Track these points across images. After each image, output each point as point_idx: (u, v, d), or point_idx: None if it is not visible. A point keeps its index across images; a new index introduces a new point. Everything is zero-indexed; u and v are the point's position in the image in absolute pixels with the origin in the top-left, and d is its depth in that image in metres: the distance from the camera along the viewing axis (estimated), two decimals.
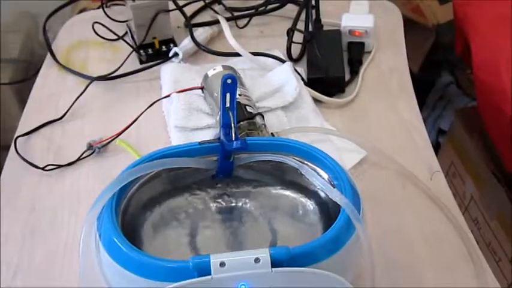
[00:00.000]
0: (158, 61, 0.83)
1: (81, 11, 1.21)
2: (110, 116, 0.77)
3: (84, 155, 0.71)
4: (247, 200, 0.55)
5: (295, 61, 0.84)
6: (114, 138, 0.71)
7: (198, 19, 0.92)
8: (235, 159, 0.53)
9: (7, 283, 0.59)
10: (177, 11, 0.87)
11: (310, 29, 0.85)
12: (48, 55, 0.88)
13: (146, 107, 0.71)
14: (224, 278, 0.41)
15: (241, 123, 0.65)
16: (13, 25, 1.46)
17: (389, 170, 0.68)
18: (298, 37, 0.85)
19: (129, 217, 0.50)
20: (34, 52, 1.45)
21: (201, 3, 0.93)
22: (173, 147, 0.52)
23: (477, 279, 0.58)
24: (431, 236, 0.62)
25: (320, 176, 0.50)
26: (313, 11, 0.85)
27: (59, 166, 0.70)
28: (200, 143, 0.52)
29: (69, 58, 0.88)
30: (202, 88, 0.72)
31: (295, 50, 0.85)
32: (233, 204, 0.55)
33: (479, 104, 1.00)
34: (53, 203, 0.67)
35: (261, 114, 0.68)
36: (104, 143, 0.72)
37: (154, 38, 0.85)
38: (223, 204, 0.55)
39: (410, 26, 1.08)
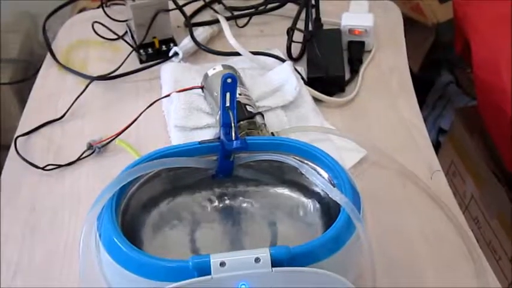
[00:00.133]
0: (158, 61, 0.83)
1: (80, 11, 1.21)
2: (110, 116, 0.77)
3: (84, 155, 0.71)
4: (247, 200, 0.55)
5: (295, 60, 0.84)
6: (114, 138, 0.71)
7: (198, 18, 0.92)
8: (235, 158, 0.53)
9: (7, 283, 0.59)
10: (177, 11, 0.87)
11: (310, 28, 0.85)
12: (48, 55, 0.88)
13: (146, 107, 0.71)
14: (224, 277, 0.40)
15: (241, 122, 0.65)
16: (13, 25, 1.46)
17: (389, 169, 0.68)
18: (298, 36, 0.85)
19: (129, 217, 0.50)
20: (34, 52, 1.45)
21: (201, 3, 0.93)
22: (173, 147, 0.52)
23: (477, 278, 0.58)
24: (431, 235, 0.62)
25: (320, 175, 0.50)
26: (313, 10, 0.85)
27: (59, 166, 0.70)
28: (200, 143, 0.52)
29: (69, 58, 0.88)
30: (202, 87, 0.72)
31: (295, 49, 0.84)
32: (233, 204, 0.55)
33: (479, 103, 1.00)
34: (53, 203, 0.67)
35: (261, 114, 0.68)
36: (104, 142, 0.72)
37: (154, 37, 0.85)
38: (223, 203, 0.55)
39: (410, 25, 1.08)
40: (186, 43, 0.84)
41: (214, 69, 0.71)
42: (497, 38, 0.90)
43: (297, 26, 0.85)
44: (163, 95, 0.74)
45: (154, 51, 0.85)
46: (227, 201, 0.55)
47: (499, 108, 0.89)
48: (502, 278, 1.03)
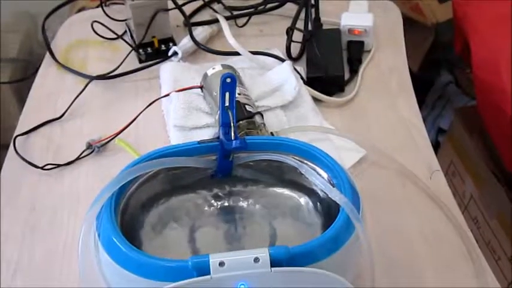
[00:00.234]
0: (157, 60, 0.83)
1: (79, 10, 1.21)
2: (109, 115, 0.77)
3: (83, 155, 0.71)
4: (246, 200, 0.55)
5: (294, 60, 0.83)
6: (113, 138, 0.71)
7: (197, 18, 0.92)
8: (235, 158, 0.53)
9: (7, 283, 0.59)
10: (176, 10, 0.87)
11: (310, 28, 0.85)
12: (47, 54, 0.88)
13: (145, 106, 0.71)
14: (223, 277, 0.40)
15: (241, 122, 0.65)
16: (12, 25, 1.46)
17: (388, 169, 0.68)
18: (297, 36, 0.85)
19: (128, 216, 0.50)
20: (33, 51, 1.45)
21: (200, 2, 0.93)
22: (172, 147, 0.52)
23: (477, 278, 0.58)
24: (430, 235, 0.62)
25: (319, 175, 0.50)
26: (313, 10, 0.85)
27: (58, 165, 0.70)
28: (199, 142, 0.52)
29: (68, 57, 0.88)
30: (201, 87, 0.72)
31: (295, 49, 0.84)
32: (232, 204, 0.55)
33: (479, 103, 1.00)
34: (52, 203, 0.67)
35: (260, 114, 0.68)
36: (103, 142, 0.71)
37: (154, 37, 0.85)
38: (223, 203, 0.55)
39: (410, 24, 1.08)
40: (185, 43, 0.84)
41: (213, 68, 0.71)
42: (497, 38, 0.90)
43: (297, 26, 0.85)
44: (162, 95, 0.74)
45: (153, 51, 0.85)
46: (226, 201, 0.55)
47: (498, 108, 0.89)
48: (501, 278, 1.03)
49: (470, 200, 1.12)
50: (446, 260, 0.60)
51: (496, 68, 0.88)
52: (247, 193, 0.55)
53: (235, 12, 0.91)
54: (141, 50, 0.85)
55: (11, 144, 0.73)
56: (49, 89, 0.83)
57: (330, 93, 0.78)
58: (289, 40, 0.84)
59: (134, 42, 0.86)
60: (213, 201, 0.55)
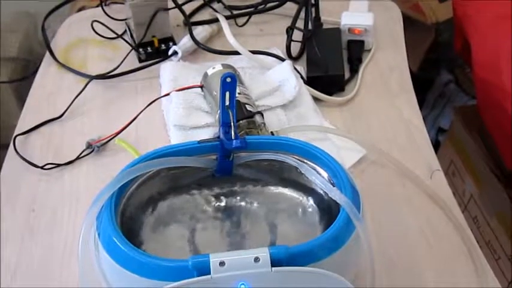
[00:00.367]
0: (157, 59, 0.83)
1: (79, 10, 1.21)
2: (109, 115, 0.77)
3: (83, 154, 0.71)
4: (246, 199, 0.55)
5: (294, 59, 0.83)
6: (113, 137, 0.71)
7: (197, 17, 0.92)
8: (235, 158, 0.53)
9: (6, 283, 0.59)
10: (176, 9, 0.87)
11: (310, 27, 0.85)
12: (47, 54, 0.88)
13: (145, 106, 0.71)
14: (224, 277, 0.40)
15: (241, 122, 0.65)
16: (12, 24, 1.46)
17: (389, 169, 0.68)
18: (297, 35, 0.84)
19: (129, 216, 0.50)
20: (33, 51, 1.45)
21: (200, 2, 0.93)
22: (172, 146, 0.52)
23: (477, 277, 0.58)
24: (430, 234, 0.62)
25: (320, 174, 0.50)
26: (313, 9, 0.85)
27: (58, 165, 0.70)
28: (199, 142, 0.52)
29: (68, 57, 0.88)
30: (201, 87, 0.72)
31: (295, 48, 0.84)
32: (232, 203, 0.55)
33: (479, 103, 1.00)
34: (52, 202, 0.67)
35: (260, 113, 0.68)
36: (103, 141, 0.71)
37: (154, 36, 0.85)
38: (223, 203, 0.55)
39: (410, 24, 1.08)
40: (185, 42, 0.84)
41: (213, 68, 0.71)
42: (498, 37, 0.90)
43: (297, 25, 0.85)
44: (162, 94, 0.74)
45: (153, 50, 0.85)
46: (226, 201, 0.55)
47: (499, 108, 0.89)
48: (501, 278, 1.03)
49: (470, 199, 1.12)
50: (446, 259, 0.60)
51: (496, 67, 0.88)
52: (248, 193, 0.55)
53: (235, 12, 0.91)
54: (141, 50, 0.85)
55: (11, 143, 0.73)
56: (49, 88, 0.83)
57: (330, 93, 0.78)
58: (289, 39, 0.84)
59: (134, 41, 0.86)
60: (213, 200, 0.55)
